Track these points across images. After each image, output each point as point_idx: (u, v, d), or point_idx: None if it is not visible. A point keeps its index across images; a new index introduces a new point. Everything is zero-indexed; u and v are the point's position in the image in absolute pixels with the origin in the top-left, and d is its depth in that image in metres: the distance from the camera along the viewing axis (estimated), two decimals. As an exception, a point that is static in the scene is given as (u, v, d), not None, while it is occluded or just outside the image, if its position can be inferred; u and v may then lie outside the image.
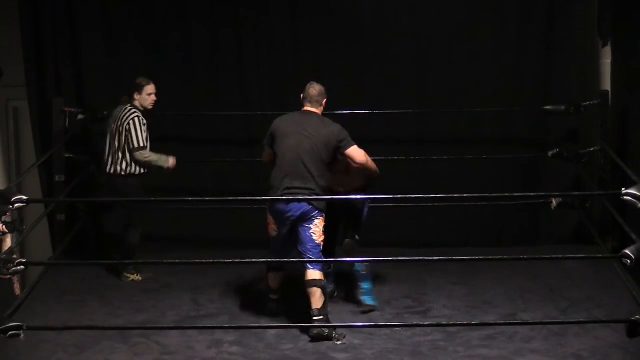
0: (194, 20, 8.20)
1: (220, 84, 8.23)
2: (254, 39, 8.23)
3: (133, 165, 7.18)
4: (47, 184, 8.02)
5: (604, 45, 8.05)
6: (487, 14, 8.16)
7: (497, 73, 8.16)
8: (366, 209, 6.60)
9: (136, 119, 7.15)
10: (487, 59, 8.15)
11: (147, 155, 7.19)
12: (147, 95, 7.25)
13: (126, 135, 7.15)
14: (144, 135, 7.17)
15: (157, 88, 7.31)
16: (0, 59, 8.24)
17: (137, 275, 7.32)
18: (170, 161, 7.29)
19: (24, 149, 8.76)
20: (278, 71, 8.27)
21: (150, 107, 7.30)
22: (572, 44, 8.08)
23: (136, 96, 7.24)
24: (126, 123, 7.16)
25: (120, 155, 7.18)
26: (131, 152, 7.15)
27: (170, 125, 8.05)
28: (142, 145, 7.15)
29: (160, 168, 7.26)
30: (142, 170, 7.23)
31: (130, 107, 7.22)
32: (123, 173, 7.19)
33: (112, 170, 7.23)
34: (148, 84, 7.26)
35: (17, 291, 7.12)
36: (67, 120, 7.83)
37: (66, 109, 7.82)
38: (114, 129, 7.22)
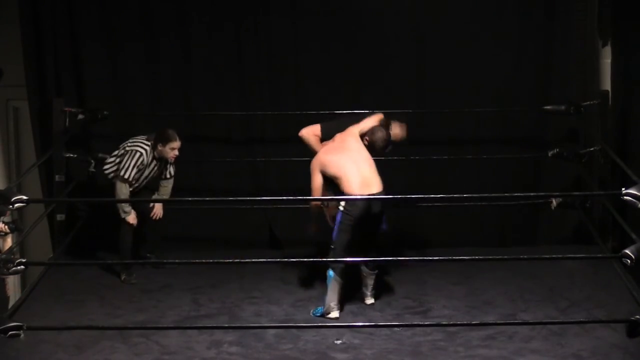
0: (194, 19, 8.18)
1: (220, 84, 8.22)
2: (254, 39, 8.22)
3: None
4: (47, 184, 8.01)
5: (604, 45, 8.04)
6: (487, 13, 8.15)
7: (497, 73, 8.15)
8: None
9: (137, 154, 7.19)
10: (487, 59, 8.14)
11: (124, 191, 7.20)
12: (170, 149, 7.22)
13: (121, 158, 7.24)
14: (133, 171, 7.19)
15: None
16: (0, 59, 8.23)
17: (123, 275, 7.33)
18: (130, 216, 7.27)
19: (24, 149, 8.75)
20: (278, 71, 8.26)
21: (169, 161, 7.32)
22: (572, 44, 8.08)
23: (159, 146, 7.23)
24: (129, 148, 7.24)
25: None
26: (116, 176, 7.24)
27: (170, 125, 8.03)
28: (125, 176, 7.18)
29: (118, 212, 7.28)
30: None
31: (145, 141, 7.26)
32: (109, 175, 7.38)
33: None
34: (175, 140, 7.21)
35: (9, 292, 7.13)
36: (67, 120, 7.82)
37: (66, 109, 7.82)
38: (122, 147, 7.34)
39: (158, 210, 7.49)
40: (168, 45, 8.20)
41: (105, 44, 8.17)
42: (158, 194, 7.47)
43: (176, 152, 7.26)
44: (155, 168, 7.35)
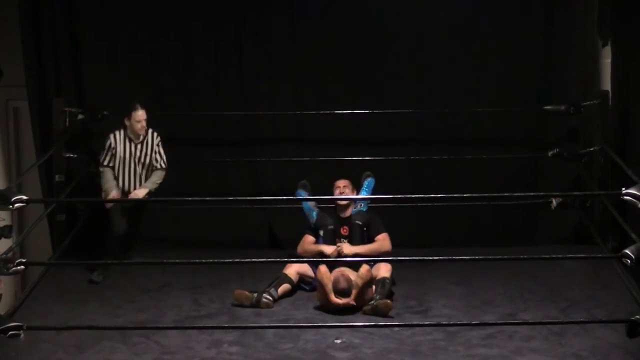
0: (194, 20, 8.20)
1: (220, 84, 8.23)
2: (254, 39, 8.23)
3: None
4: (47, 184, 8.02)
5: (604, 45, 8.05)
6: (487, 14, 8.16)
7: (497, 73, 8.16)
8: None
9: (107, 139, 7.41)
10: (487, 59, 8.16)
11: (103, 175, 7.39)
12: (135, 122, 7.32)
13: None
14: (107, 155, 7.39)
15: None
16: (0, 59, 8.24)
17: (94, 274, 7.33)
18: (112, 193, 7.35)
19: (24, 149, 8.75)
20: (278, 71, 8.27)
21: (139, 134, 7.38)
22: (572, 43, 8.09)
23: (126, 122, 7.37)
24: None
25: None
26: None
27: (170, 125, 8.05)
28: (101, 161, 7.42)
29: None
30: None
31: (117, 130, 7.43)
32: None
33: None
34: (135, 110, 7.32)
35: (1, 289, 7.14)
36: (67, 120, 7.84)
37: (66, 109, 7.84)
38: None
39: (138, 193, 7.44)
40: (168, 45, 8.22)
41: (106, 44, 8.18)
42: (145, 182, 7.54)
43: (143, 124, 7.34)
44: (136, 150, 7.39)
